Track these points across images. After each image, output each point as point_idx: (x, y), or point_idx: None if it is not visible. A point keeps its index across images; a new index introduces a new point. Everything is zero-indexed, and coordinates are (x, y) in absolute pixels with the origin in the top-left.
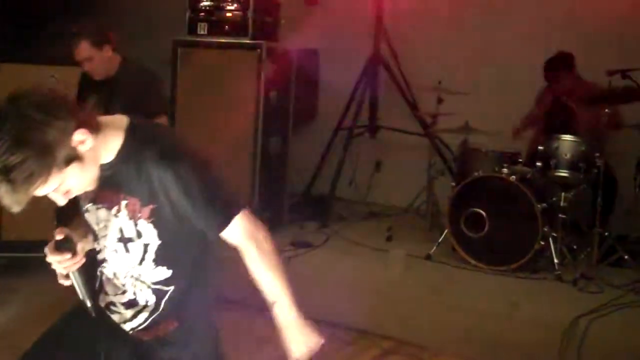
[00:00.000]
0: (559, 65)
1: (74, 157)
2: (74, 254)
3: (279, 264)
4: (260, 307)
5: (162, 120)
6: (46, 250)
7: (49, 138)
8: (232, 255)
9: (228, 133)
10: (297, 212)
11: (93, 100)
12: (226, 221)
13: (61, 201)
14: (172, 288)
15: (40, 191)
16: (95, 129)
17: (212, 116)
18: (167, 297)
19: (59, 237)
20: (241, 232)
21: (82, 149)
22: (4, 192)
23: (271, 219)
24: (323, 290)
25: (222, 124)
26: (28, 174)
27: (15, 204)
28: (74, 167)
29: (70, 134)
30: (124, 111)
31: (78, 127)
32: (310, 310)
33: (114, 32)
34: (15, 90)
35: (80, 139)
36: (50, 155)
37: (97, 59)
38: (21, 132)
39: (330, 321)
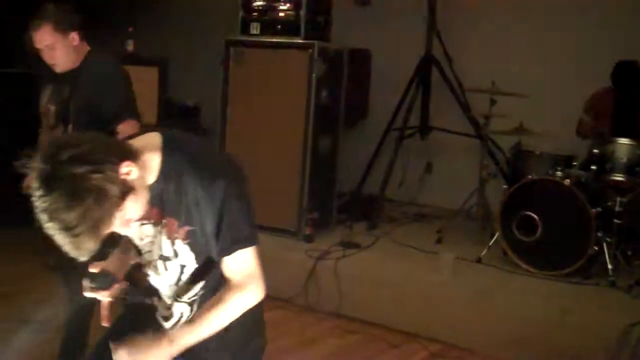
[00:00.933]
0: (633, 74)
1: (127, 191)
2: (110, 287)
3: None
4: (307, 307)
5: (128, 125)
6: (83, 285)
7: (99, 184)
8: (278, 253)
9: (279, 132)
10: (346, 212)
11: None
12: (231, 249)
13: (123, 231)
14: (203, 291)
15: (106, 232)
16: (135, 156)
17: (264, 115)
18: (199, 300)
19: (93, 270)
20: (236, 269)
21: (130, 179)
22: (72, 248)
23: (320, 218)
24: (370, 291)
25: (273, 123)
26: (92, 224)
27: (85, 253)
28: (129, 199)
29: (117, 171)
30: (80, 113)
31: (120, 161)
32: (357, 311)
33: (80, 17)
34: (45, 150)
35: (126, 171)
36: (106, 198)
37: (60, 47)
38: (71, 190)
39: (378, 323)
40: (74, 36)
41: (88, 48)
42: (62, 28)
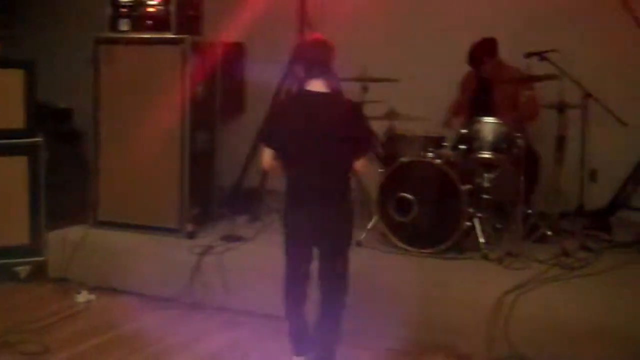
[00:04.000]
0: (483, 50)
1: None
2: None
3: None
4: (194, 304)
5: None
6: None
7: None
8: (161, 251)
9: (155, 130)
10: (228, 206)
11: None
12: None
13: None
14: None
15: None
16: None
17: (139, 114)
18: None
19: None
20: None
21: None
22: None
23: (201, 214)
24: (256, 283)
25: (148, 121)
26: None
27: None
28: None
29: None
30: None
31: None
32: (244, 304)
33: None
34: None
35: None
36: None
37: None
38: None
39: (266, 313)
40: None
41: None
42: None
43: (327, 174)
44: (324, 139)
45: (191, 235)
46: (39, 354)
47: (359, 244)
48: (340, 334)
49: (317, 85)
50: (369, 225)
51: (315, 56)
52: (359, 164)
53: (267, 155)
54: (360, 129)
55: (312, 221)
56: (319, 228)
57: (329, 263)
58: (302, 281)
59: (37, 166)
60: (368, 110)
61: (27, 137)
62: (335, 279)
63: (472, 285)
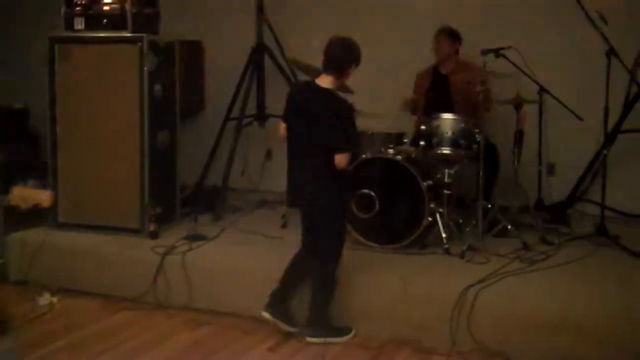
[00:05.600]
0: (446, 32)
1: None
2: None
3: None
4: (157, 304)
5: None
6: None
7: None
8: (123, 252)
9: (114, 130)
10: (190, 205)
11: None
12: None
13: None
14: None
15: None
16: None
17: (96, 114)
18: None
19: None
20: None
21: None
22: None
23: (163, 214)
24: (219, 281)
25: (107, 121)
26: None
27: None
28: None
29: None
30: None
31: None
32: (208, 303)
33: None
34: None
35: None
36: None
37: None
38: None
39: (230, 312)
40: None
41: None
42: None
43: (304, 160)
44: (305, 126)
45: (153, 235)
46: None
47: None
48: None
49: (321, 79)
50: None
51: (326, 52)
52: (337, 158)
53: (281, 127)
54: (333, 128)
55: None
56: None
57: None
58: None
59: None
60: None
61: None
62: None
63: (435, 280)
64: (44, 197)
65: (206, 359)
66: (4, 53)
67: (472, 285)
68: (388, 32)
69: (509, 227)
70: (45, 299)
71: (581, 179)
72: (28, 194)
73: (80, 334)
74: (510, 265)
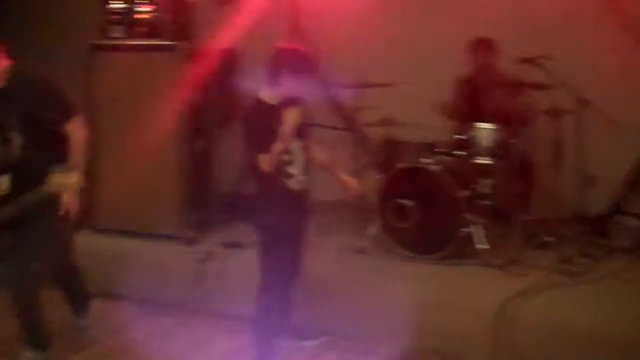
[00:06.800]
0: (485, 42)
1: None
2: None
3: None
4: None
5: (75, 123)
6: None
7: None
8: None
9: (152, 137)
10: (227, 212)
11: None
12: None
13: None
14: None
15: None
16: None
17: (135, 121)
18: None
19: None
20: None
21: None
22: None
23: (201, 220)
24: (255, 289)
25: (146, 128)
26: None
27: None
28: None
29: None
30: (22, 124)
31: None
32: (242, 308)
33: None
34: None
35: None
36: None
37: None
38: None
39: None
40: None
41: (9, 65)
42: None
43: None
44: None
45: (191, 242)
46: None
47: (361, 250)
48: None
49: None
50: (370, 232)
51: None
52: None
53: None
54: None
55: None
56: None
57: None
58: None
59: None
60: (364, 117)
61: None
62: None
63: (474, 292)
64: (72, 180)
65: None
66: (43, 59)
67: (511, 298)
68: (423, 42)
69: (548, 239)
70: None
71: (621, 191)
72: (61, 180)
73: (118, 340)
74: (550, 278)
